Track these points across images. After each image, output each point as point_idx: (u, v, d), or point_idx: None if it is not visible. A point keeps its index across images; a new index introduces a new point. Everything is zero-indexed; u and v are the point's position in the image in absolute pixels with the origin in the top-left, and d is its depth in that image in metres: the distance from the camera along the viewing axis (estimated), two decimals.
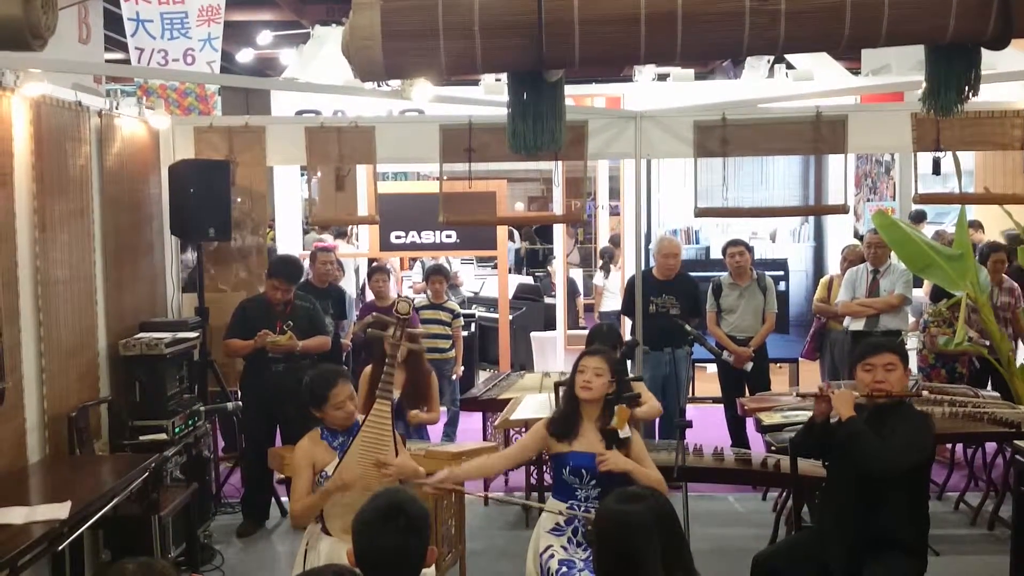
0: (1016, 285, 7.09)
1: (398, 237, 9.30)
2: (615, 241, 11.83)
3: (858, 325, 7.13)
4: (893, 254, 7.14)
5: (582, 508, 3.97)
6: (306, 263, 7.66)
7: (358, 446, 3.96)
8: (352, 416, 4.08)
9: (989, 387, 6.88)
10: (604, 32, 3.03)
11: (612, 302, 11.44)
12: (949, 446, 6.76)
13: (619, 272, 10.95)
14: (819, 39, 3.19)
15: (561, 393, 4.44)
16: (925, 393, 5.70)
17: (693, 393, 8.83)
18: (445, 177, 6.81)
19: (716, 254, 9.65)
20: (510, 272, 12.39)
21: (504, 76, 8.59)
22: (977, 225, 9.59)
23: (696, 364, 7.97)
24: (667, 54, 3.10)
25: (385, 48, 3.06)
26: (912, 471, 3.89)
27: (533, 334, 10.86)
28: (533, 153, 3.42)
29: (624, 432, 3.97)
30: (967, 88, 3.30)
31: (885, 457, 3.76)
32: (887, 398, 3.94)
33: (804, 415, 4.91)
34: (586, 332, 10.73)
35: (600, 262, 12.09)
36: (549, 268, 13.50)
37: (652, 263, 7.39)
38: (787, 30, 2.99)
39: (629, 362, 6.73)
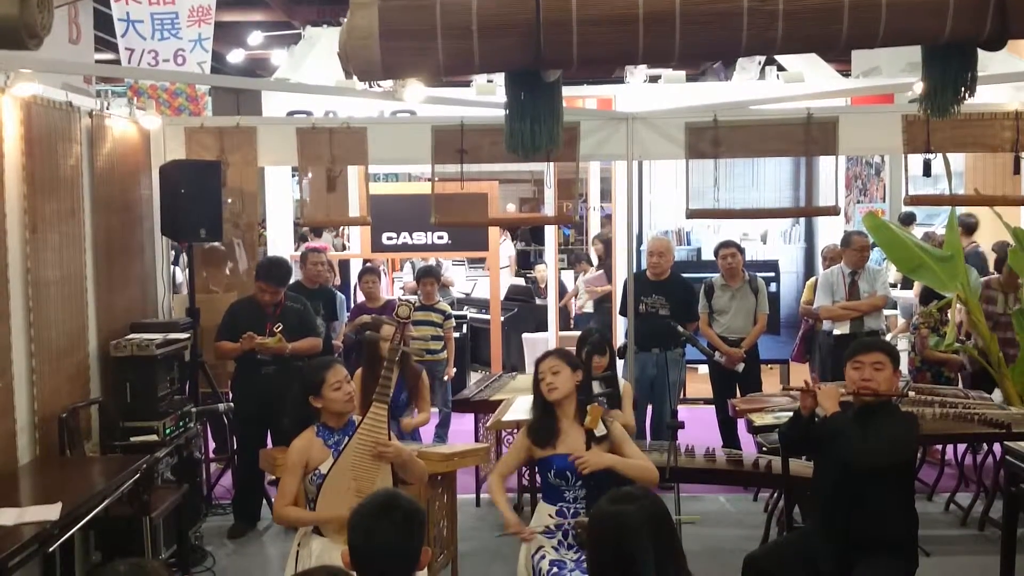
0: None
1: (390, 238, 9.29)
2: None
3: (843, 328, 7.11)
4: None
5: (571, 511, 3.99)
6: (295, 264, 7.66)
7: (353, 448, 3.94)
8: (352, 399, 4.04)
9: (996, 393, 6.86)
10: (602, 32, 3.03)
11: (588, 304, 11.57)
12: (939, 447, 6.79)
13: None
14: (817, 39, 3.19)
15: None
16: (912, 394, 5.71)
17: (684, 394, 8.84)
18: (437, 178, 6.80)
19: (707, 255, 9.67)
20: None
21: (496, 77, 8.64)
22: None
23: (688, 365, 7.97)
24: (665, 54, 3.10)
25: (383, 47, 3.05)
26: (897, 470, 3.91)
27: (525, 335, 10.86)
28: (530, 153, 3.42)
29: (599, 430, 3.99)
30: (964, 89, 3.30)
31: (867, 452, 3.77)
32: (873, 397, 3.95)
33: None
34: (570, 332, 10.85)
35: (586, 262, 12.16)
36: (536, 272, 13.51)
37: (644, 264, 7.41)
38: (785, 30, 2.99)
39: (621, 363, 6.75)
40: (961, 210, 8.24)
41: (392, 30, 3.06)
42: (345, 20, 3.19)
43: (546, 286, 12.04)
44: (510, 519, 4.05)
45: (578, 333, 6.30)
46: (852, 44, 3.16)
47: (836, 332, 7.17)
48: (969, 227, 8.81)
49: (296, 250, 9.74)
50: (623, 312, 7.31)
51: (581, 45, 3.03)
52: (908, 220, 10.23)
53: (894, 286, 9.02)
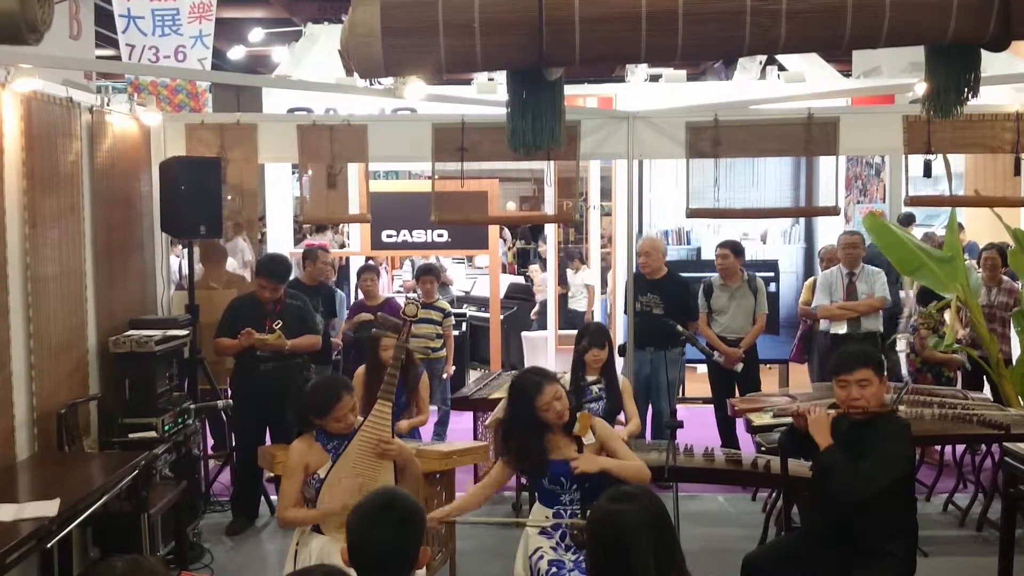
0: (1017, 286, 7.10)
1: (389, 236, 9.28)
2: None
3: (840, 328, 7.13)
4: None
5: (568, 512, 3.98)
6: (294, 261, 7.66)
7: (356, 445, 3.96)
8: (350, 427, 4.07)
9: (986, 390, 6.90)
10: (605, 30, 3.01)
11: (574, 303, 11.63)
12: (938, 448, 6.78)
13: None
14: (820, 39, 3.18)
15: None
16: (903, 408, 5.67)
17: (683, 394, 8.84)
18: (437, 176, 6.80)
19: (707, 255, 9.67)
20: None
21: (497, 75, 8.62)
22: (958, 227, 9.65)
23: (687, 364, 7.97)
24: (668, 53, 3.08)
25: (384, 45, 3.04)
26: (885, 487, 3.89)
27: (524, 333, 10.86)
28: (532, 152, 3.41)
29: (588, 439, 3.98)
30: (967, 90, 3.30)
31: (858, 490, 3.74)
32: (863, 415, 3.95)
33: None
34: (569, 331, 10.87)
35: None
36: (529, 272, 13.54)
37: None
38: (788, 30, 2.98)
39: (620, 360, 6.76)
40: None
41: (394, 27, 3.04)
42: (347, 17, 3.18)
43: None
44: (437, 512, 4.06)
45: (573, 332, 6.33)
46: (855, 44, 3.14)
47: (833, 331, 7.18)
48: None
49: (296, 246, 9.74)
50: (626, 311, 7.35)
51: (583, 43, 3.02)
52: (907, 221, 10.22)
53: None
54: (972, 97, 3.34)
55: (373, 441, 3.97)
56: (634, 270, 7.28)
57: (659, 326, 6.56)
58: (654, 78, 10.20)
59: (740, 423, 6.29)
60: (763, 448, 5.51)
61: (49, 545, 3.86)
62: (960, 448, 6.77)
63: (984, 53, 3.31)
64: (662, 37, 3.03)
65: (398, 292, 11.63)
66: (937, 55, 3.31)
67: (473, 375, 9.14)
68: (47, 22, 3.07)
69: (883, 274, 7.11)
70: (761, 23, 2.96)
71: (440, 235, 9.29)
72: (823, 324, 7.36)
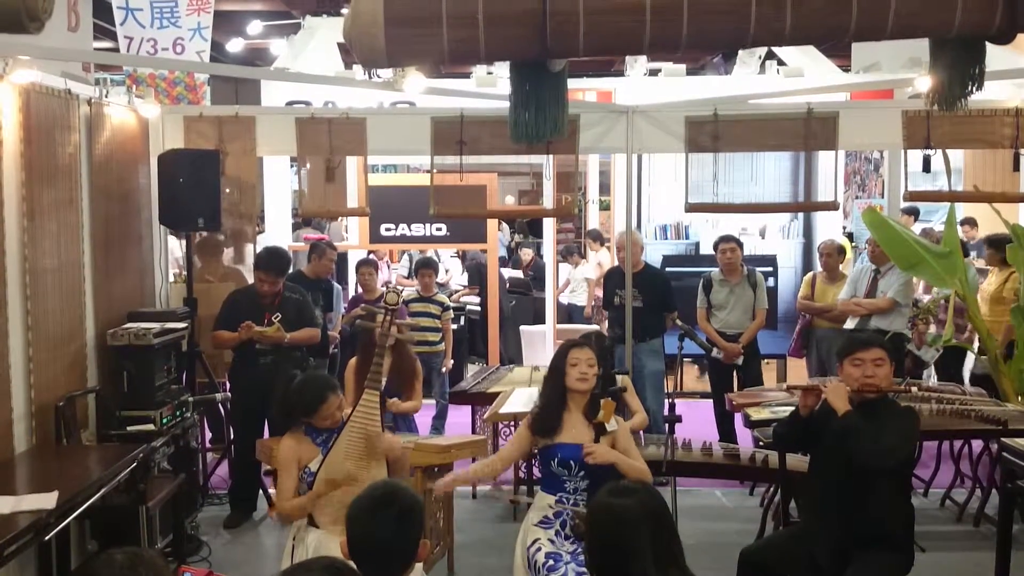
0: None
1: (388, 230, 9.28)
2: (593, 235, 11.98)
3: (850, 324, 7.12)
4: None
5: (571, 501, 3.98)
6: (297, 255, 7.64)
7: (346, 436, 3.97)
8: (338, 421, 4.09)
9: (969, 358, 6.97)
10: (609, 21, 3.00)
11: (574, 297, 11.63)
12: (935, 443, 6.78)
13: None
14: (826, 30, 3.16)
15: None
16: (915, 390, 5.70)
17: (681, 388, 8.83)
18: (436, 170, 6.78)
19: (705, 250, 9.67)
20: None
21: (497, 69, 8.58)
22: (972, 222, 9.65)
23: (684, 359, 7.96)
24: (672, 43, 3.06)
25: (387, 35, 3.02)
26: (897, 466, 3.92)
27: (523, 328, 10.86)
28: (534, 142, 3.40)
29: (611, 425, 3.99)
30: (971, 83, 3.30)
31: (880, 452, 3.78)
32: (876, 393, 3.97)
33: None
34: (567, 326, 10.89)
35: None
36: (520, 254, 13.55)
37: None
38: (793, 20, 2.97)
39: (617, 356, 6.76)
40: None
41: (397, 17, 3.03)
42: (350, 6, 3.17)
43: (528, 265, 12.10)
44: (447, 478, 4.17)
45: (571, 326, 6.32)
46: (860, 36, 3.11)
47: (846, 326, 7.16)
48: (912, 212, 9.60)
49: (295, 240, 9.72)
50: (606, 307, 7.40)
51: (588, 34, 3.00)
52: (910, 212, 10.21)
53: None
54: (976, 90, 3.34)
55: (362, 431, 3.99)
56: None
57: (635, 318, 6.66)
58: (653, 72, 10.18)
59: (738, 418, 6.30)
60: (761, 443, 5.52)
61: (47, 538, 3.86)
62: (957, 443, 6.77)
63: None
64: (666, 28, 3.01)
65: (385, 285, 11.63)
66: (942, 47, 3.30)
67: (472, 369, 9.14)
68: (48, 11, 3.06)
69: (907, 276, 7.02)
70: (766, 14, 2.94)
71: (439, 229, 9.29)
72: (848, 321, 7.34)
